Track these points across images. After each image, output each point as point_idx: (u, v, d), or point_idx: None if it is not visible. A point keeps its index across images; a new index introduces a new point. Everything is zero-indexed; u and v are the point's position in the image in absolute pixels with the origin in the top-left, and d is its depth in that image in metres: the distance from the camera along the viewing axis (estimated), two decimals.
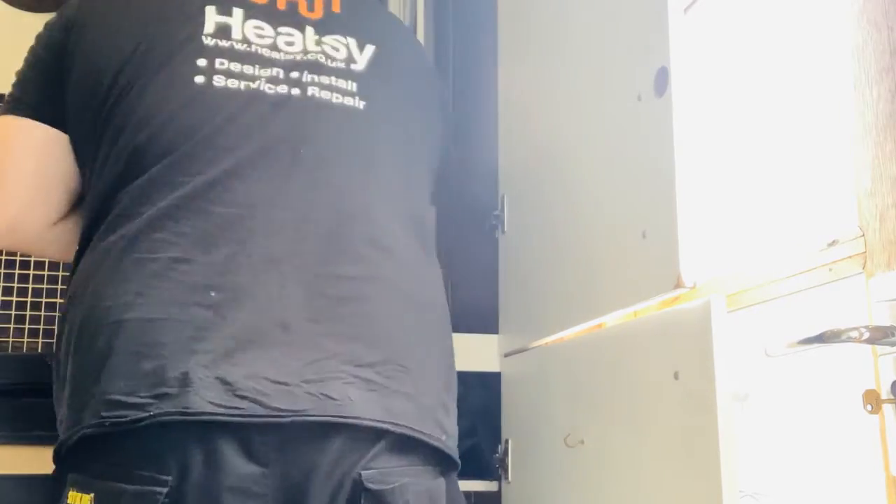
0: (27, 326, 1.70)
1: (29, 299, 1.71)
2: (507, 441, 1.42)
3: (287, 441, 0.84)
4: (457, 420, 0.99)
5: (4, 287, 1.70)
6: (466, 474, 1.46)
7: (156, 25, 1.00)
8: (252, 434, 0.83)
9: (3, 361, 1.42)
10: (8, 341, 1.68)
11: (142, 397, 0.82)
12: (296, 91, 1.00)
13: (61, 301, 1.72)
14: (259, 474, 0.83)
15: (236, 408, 0.82)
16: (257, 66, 1.00)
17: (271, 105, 0.98)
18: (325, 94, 1.01)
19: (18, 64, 1.04)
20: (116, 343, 0.85)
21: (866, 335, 0.74)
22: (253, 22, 1.04)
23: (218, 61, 0.98)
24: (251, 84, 0.99)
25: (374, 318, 0.93)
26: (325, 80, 1.02)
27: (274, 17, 1.05)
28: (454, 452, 0.95)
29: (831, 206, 0.94)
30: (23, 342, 1.69)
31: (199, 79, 0.97)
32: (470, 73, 1.80)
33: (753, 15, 1.16)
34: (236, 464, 0.83)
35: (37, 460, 1.26)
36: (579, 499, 1.13)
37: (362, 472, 0.86)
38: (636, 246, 0.98)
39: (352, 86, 1.04)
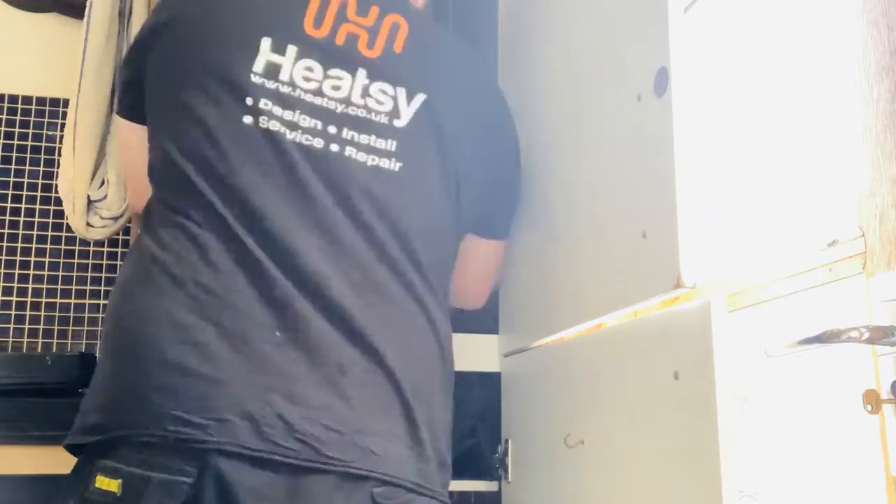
0: (27, 326, 1.70)
1: (29, 299, 1.71)
2: (507, 441, 1.42)
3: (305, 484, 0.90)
4: (453, 437, 1.10)
5: (4, 287, 1.70)
6: (466, 474, 1.46)
7: (216, 53, 1.06)
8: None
9: (3, 361, 1.41)
10: (8, 341, 1.68)
11: (205, 419, 0.88)
12: (334, 147, 1.04)
13: (61, 301, 1.72)
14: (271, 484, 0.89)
15: (292, 449, 0.89)
16: (298, 111, 1.04)
17: (307, 155, 1.03)
18: (362, 157, 1.05)
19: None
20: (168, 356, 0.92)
21: (866, 335, 0.73)
22: (304, 63, 1.06)
23: (263, 101, 1.03)
24: (288, 134, 1.03)
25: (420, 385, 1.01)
26: (363, 138, 1.05)
27: (328, 56, 1.08)
28: None
29: (831, 206, 0.94)
30: (23, 342, 1.69)
31: (247, 119, 1.03)
32: None
33: (753, 15, 1.16)
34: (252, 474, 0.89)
35: (37, 460, 1.26)
36: (579, 499, 1.13)
37: (374, 490, 0.92)
38: (636, 246, 0.98)
39: (391, 145, 1.06)
